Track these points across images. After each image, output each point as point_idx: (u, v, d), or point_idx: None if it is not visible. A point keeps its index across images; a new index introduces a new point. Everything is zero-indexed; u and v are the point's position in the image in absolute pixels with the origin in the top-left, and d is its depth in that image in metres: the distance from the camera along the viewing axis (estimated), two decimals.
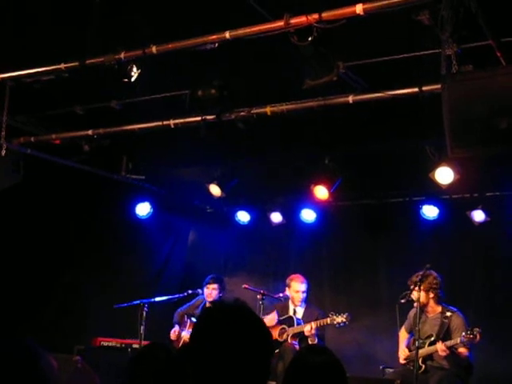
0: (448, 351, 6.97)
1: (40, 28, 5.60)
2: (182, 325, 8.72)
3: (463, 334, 6.91)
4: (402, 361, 7.48)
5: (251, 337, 2.20)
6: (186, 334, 8.53)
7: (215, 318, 2.24)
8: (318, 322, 7.82)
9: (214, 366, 2.14)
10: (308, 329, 7.81)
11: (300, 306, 8.29)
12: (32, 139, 7.72)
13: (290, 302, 8.34)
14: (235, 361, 2.14)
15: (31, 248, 8.41)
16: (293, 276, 8.39)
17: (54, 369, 2.36)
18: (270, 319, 8.14)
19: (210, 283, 8.60)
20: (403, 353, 7.47)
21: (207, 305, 8.68)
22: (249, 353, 2.17)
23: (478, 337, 6.79)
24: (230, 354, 2.15)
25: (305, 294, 8.28)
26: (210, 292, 8.60)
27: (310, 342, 7.83)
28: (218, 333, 2.18)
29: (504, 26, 4.86)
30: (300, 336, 7.99)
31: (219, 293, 8.62)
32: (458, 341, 6.93)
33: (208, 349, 2.17)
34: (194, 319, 8.66)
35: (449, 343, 6.99)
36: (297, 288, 8.26)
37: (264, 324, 2.31)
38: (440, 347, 6.99)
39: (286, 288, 8.34)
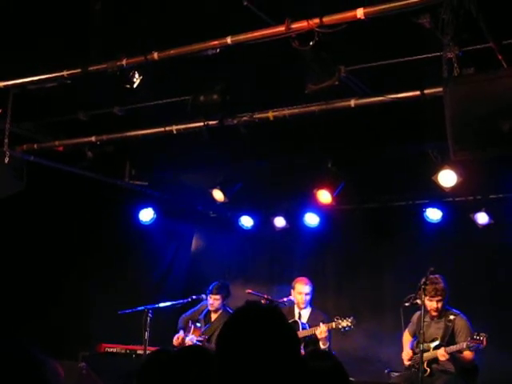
0: (447, 356, 6.96)
1: (42, 35, 5.61)
2: (186, 330, 8.72)
3: (469, 338, 6.91)
4: (406, 362, 7.47)
5: (281, 343, 2.19)
6: (188, 340, 8.53)
7: (246, 321, 2.24)
8: (326, 325, 7.81)
9: (240, 369, 2.15)
10: (319, 331, 7.76)
11: (304, 308, 8.29)
12: (35, 146, 7.73)
13: (295, 306, 8.35)
14: (262, 365, 2.15)
15: (35, 255, 8.41)
16: (298, 278, 8.41)
17: (61, 376, 2.37)
18: None
19: (213, 293, 8.57)
20: (408, 354, 7.47)
21: (212, 314, 8.68)
22: (278, 358, 2.17)
23: (484, 342, 6.78)
24: (258, 357, 2.15)
25: (308, 297, 8.28)
26: (213, 302, 8.59)
27: (322, 346, 7.80)
28: (248, 336, 2.19)
29: (505, 29, 4.87)
30: (305, 341, 7.97)
31: (222, 302, 8.61)
32: (464, 346, 6.92)
33: (235, 351, 2.17)
34: (198, 324, 8.67)
35: (454, 348, 6.98)
36: (300, 289, 8.27)
37: (295, 331, 2.30)
38: (440, 353, 6.99)
39: (291, 291, 8.36)
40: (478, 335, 6.81)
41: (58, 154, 7.86)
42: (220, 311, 8.63)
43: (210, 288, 8.63)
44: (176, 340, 8.59)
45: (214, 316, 8.68)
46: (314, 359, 2.97)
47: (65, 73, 6.00)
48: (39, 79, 6.18)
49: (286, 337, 2.23)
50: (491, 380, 7.85)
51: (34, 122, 7.71)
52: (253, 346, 2.18)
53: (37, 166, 7.83)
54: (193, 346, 6.59)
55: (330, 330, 7.85)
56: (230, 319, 2.30)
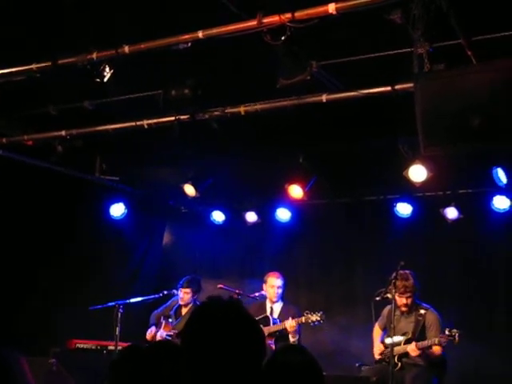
0: (419, 352, 7.02)
1: (11, 28, 5.54)
2: (158, 326, 8.69)
3: (441, 334, 6.97)
4: (377, 356, 7.53)
5: (244, 336, 2.20)
6: (159, 335, 8.50)
7: (209, 315, 2.24)
8: (295, 320, 7.85)
9: (207, 363, 2.15)
10: (289, 324, 7.80)
11: (276, 302, 8.32)
12: (4, 140, 7.64)
13: (267, 301, 8.37)
14: (227, 358, 2.16)
15: (5, 250, 8.33)
16: (270, 273, 8.45)
17: (27, 372, 2.35)
18: None
19: (183, 287, 8.59)
20: (378, 348, 7.52)
21: (183, 308, 8.68)
22: (242, 353, 2.18)
23: (456, 338, 6.85)
24: (223, 351, 2.17)
25: (280, 290, 8.31)
26: (183, 296, 8.58)
27: (291, 339, 7.85)
28: (212, 331, 2.19)
29: (474, 25, 4.91)
30: (276, 335, 8.00)
31: (192, 296, 8.60)
32: (436, 341, 6.99)
33: (201, 346, 2.17)
34: (170, 320, 8.64)
35: (425, 343, 7.04)
36: (272, 283, 8.30)
37: (258, 325, 2.32)
38: (411, 348, 7.05)
39: (263, 285, 8.38)
40: (450, 331, 6.88)
41: (28, 149, 7.78)
42: (190, 305, 8.62)
43: (181, 282, 8.63)
44: (149, 335, 8.55)
45: (184, 310, 8.66)
46: (286, 353, 2.98)
47: (34, 66, 5.92)
48: (8, 72, 6.09)
49: (245, 331, 2.25)
50: (463, 373, 7.96)
51: (2, 115, 7.61)
52: (213, 341, 2.20)
53: (6, 160, 7.74)
54: (163, 342, 6.57)
55: (300, 325, 7.89)
56: (192, 315, 2.33)
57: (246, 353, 2.20)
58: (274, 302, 8.34)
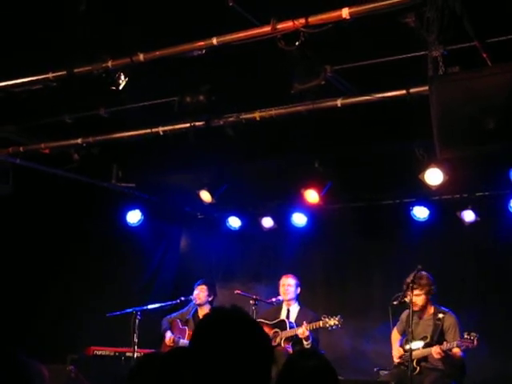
0: (443, 354, 6.98)
1: (26, 38, 5.58)
2: (173, 331, 8.68)
3: (460, 338, 6.93)
4: (396, 359, 7.48)
5: (251, 343, 2.21)
6: (182, 342, 8.48)
7: (215, 324, 2.25)
8: (311, 324, 7.84)
9: (214, 373, 2.15)
10: (301, 331, 7.83)
11: (291, 302, 8.33)
12: (21, 149, 7.69)
13: (284, 304, 8.38)
14: (235, 367, 2.16)
15: (23, 258, 8.38)
16: (283, 275, 8.47)
17: (45, 377, 2.36)
18: None
19: (199, 285, 8.66)
20: (397, 351, 7.48)
21: (198, 309, 8.69)
22: (249, 359, 2.18)
23: (475, 342, 6.80)
24: (230, 360, 2.16)
25: (291, 288, 8.33)
26: (199, 293, 8.60)
27: (305, 345, 7.84)
28: (219, 339, 2.19)
29: (489, 27, 4.90)
30: (293, 340, 8.00)
31: (208, 295, 8.63)
32: (455, 345, 6.94)
33: (208, 355, 2.18)
34: (186, 326, 8.66)
35: (444, 346, 7.00)
36: (283, 282, 8.39)
37: (264, 331, 2.32)
38: (435, 350, 7.00)
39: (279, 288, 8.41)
40: (468, 335, 6.84)
41: (44, 157, 7.83)
42: (208, 309, 8.61)
43: (197, 282, 8.70)
44: (169, 341, 8.54)
45: (201, 315, 8.66)
46: (301, 357, 2.98)
47: (50, 75, 5.97)
48: (24, 82, 6.14)
49: (250, 338, 2.25)
50: (482, 377, 7.90)
51: (19, 124, 7.66)
52: (218, 348, 2.19)
53: (23, 168, 7.80)
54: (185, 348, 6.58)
55: (318, 329, 7.88)
56: (198, 325, 2.33)
57: (252, 359, 2.19)
58: (289, 304, 8.33)
